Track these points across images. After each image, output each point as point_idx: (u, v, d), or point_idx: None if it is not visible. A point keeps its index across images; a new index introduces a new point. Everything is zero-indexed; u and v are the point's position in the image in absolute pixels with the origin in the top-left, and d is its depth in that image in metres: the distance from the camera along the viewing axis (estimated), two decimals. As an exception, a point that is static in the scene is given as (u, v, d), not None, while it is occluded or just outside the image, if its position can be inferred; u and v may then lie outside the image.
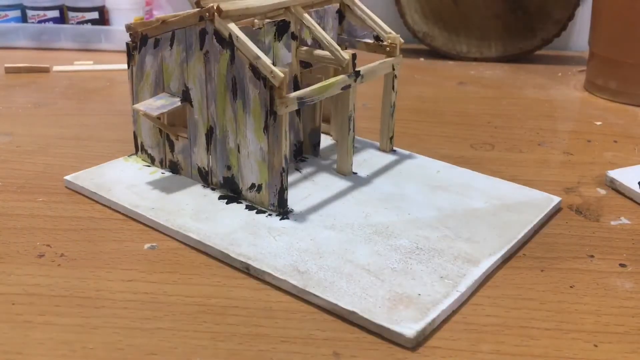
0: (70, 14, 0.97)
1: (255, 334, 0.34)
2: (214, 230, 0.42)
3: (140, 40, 0.48)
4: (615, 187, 0.51)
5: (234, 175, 0.46)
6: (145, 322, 0.34)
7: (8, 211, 0.46)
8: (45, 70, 0.82)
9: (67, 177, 0.49)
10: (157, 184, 0.48)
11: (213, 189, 0.48)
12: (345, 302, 0.35)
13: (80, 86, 0.77)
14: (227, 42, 0.43)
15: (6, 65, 0.81)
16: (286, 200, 0.45)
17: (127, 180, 0.49)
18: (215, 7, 0.42)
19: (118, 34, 0.93)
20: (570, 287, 0.38)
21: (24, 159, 0.55)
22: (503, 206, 0.46)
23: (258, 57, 0.42)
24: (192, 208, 0.45)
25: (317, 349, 0.33)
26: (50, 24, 0.96)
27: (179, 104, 0.47)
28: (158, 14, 1.04)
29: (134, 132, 0.52)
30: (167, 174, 0.50)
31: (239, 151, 0.45)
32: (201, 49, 0.44)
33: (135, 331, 0.33)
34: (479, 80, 0.84)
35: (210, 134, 0.46)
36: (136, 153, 0.53)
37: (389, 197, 0.47)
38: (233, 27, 0.43)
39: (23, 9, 0.98)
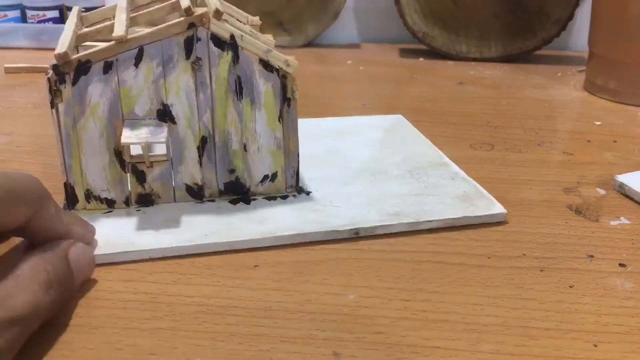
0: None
1: (255, 334, 0.34)
2: (285, 222, 0.43)
3: (77, 70, 0.41)
4: (624, 192, 0.50)
5: (239, 177, 0.46)
6: (145, 322, 0.34)
7: (8, 211, 0.45)
8: (45, 70, 0.82)
9: None
10: (158, 219, 0.43)
11: (212, 200, 0.46)
12: (448, 214, 0.44)
13: (80, 86, 0.77)
14: (229, 43, 0.42)
15: (6, 65, 0.81)
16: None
17: (130, 229, 0.42)
18: (213, 11, 0.42)
19: (118, 34, 0.93)
20: (570, 287, 0.38)
21: (24, 159, 0.55)
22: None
23: (269, 50, 0.42)
24: (231, 220, 0.43)
25: (317, 349, 0.33)
26: (49, 24, 0.96)
27: (165, 124, 0.43)
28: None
29: (68, 185, 0.43)
30: (143, 208, 0.44)
31: (245, 150, 0.45)
32: (187, 58, 0.42)
33: (135, 331, 0.33)
34: (479, 80, 0.84)
35: (203, 144, 0.44)
36: (73, 207, 0.44)
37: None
38: (233, 28, 0.42)
39: (22, 9, 0.98)
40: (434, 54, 0.95)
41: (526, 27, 0.93)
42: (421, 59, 0.94)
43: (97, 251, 0.39)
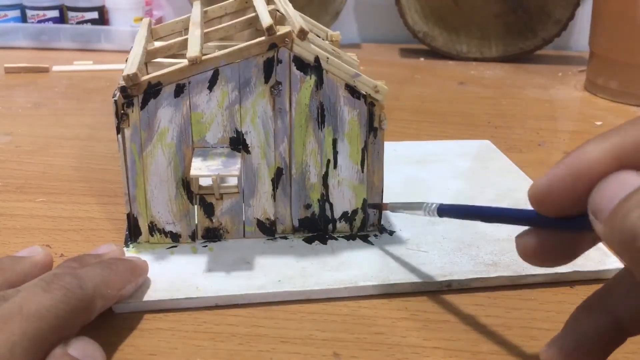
0: (70, 14, 0.97)
1: (255, 334, 0.33)
2: (367, 269, 0.38)
3: (146, 92, 0.37)
4: None
5: (316, 213, 0.41)
6: (145, 323, 0.34)
7: (8, 211, 0.46)
8: (45, 70, 0.82)
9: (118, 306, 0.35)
10: (226, 259, 0.39)
11: (285, 238, 0.42)
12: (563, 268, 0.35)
13: (80, 86, 0.77)
14: (313, 66, 0.38)
15: (6, 65, 0.81)
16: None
17: (195, 270, 0.38)
18: (297, 30, 0.37)
19: (118, 34, 0.93)
20: (570, 287, 0.38)
21: (24, 159, 0.55)
22: None
23: (357, 75, 0.38)
24: (305, 264, 0.39)
25: (317, 349, 0.33)
26: (49, 24, 0.96)
27: (238, 154, 0.39)
28: (158, 14, 1.04)
29: (131, 215, 0.40)
30: (210, 244, 0.41)
31: (324, 183, 0.41)
32: (266, 82, 0.38)
33: (135, 331, 0.33)
34: (479, 80, 0.84)
35: (278, 176, 0.41)
36: (135, 240, 0.40)
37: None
38: (318, 49, 0.38)
39: (22, 8, 0.98)
40: (434, 53, 0.95)
41: (527, 27, 0.93)
42: (422, 59, 0.94)
43: (157, 295, 0.35)
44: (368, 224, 0.42)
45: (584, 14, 0.96)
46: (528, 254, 0.27)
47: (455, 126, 0.66)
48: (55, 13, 0.97)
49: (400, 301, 0.36)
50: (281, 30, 0.38)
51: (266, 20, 0.38)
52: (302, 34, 0.37)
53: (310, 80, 0.38)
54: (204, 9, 0.46)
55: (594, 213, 0.23)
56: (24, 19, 0.98)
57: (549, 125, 0.67)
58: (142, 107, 0.37)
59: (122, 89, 0.37)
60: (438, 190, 0.49)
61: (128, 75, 0.36)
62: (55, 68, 0.83)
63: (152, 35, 0.45)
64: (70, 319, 0.29)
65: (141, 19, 0.99)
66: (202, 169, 0.37)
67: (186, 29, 0.46)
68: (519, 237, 0.27)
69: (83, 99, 0.72)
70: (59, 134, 0.61)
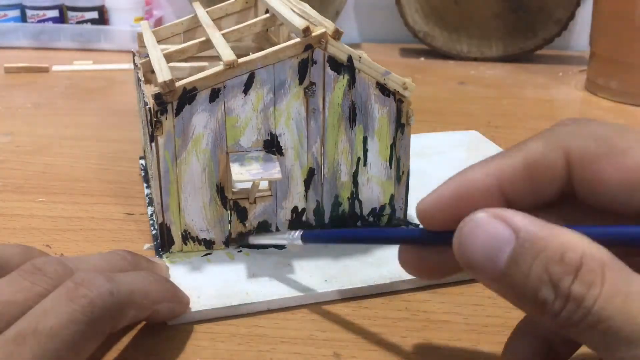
0: (70, 14, 0.97)
1: (255, 334, 0.33)
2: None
3: (181, 99, 0.36)
4: None
5: (345, 211, 0.42)
6: (143, 322, 0.34)
7: (7, 211, 0.46)
8: (45, 70, 0.82)
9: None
10: (266, 263, 0.39)
11: None
12: None
13: (80, 86, 0.77)
14: (346, 65, 0.38)
15: (6, 65, 0.81)
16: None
17: (239, 276, 0.37)
18: (332, 30, 0.37)
19: (117, 34, 0.93)
20: (571, 287, 0.38)
21: (24, 159, 0.55)
22: None
23: (388, 73, 0.39)
24: (346, 262, 0.39)
25: (317, 349, 0.33)
26: (49, 24, 0.96)
27: (274, 156, 0.39)
28: (158, 14, 1.04)
29: (164, 225, 0.39)
30: (245, 249, 0.40)
31: (354, 181, 0.41)
32: (301, 83, 0.38)
33: (135, 331, 0.33)
34: (480, 80, 0.84)
35: (310, 177, 0.40)
36: (168, 249, 0.40)
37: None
38: (349, 48, 0.38)
39: (22, 8, 0.98)
40: (434, 53, 0.95)
41: (527, 26, 0.93)
42: (422, 59, 0.94)
43: (209, 303, 0.35)
44: (394, 219, 0.42)
45: (584, 14, 0.96)
46: (408, 264, 0.28)
47: (455, 126, 0.66)
48: (55, 13, 0.97)
49: (400, 301, 0.36)
50: (316, 31, 0.37)
51: (298, 21, 0.38)
52: (337, 34, 0.38)
53: (343, 79, 0.39)
54: (205, 10, 0.46)
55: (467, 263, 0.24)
56: (23, 18, 0.98)
57: (550, 125, 0.67)
58: (176, 114, 0.36)
59: (157, 96, 0.36)
60: (442, 181, 0.49)
61: (165, 81, 0.35)
62: (55, 68, 0.83)
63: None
64: (90, 331, 0.27)
65: (141, 19, 0.99)
66: (244, 174, 0.37)
67: (186, 31, 0.46)
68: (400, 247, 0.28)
69: (83, 99, 0.72)
70: (59, 134, 0.61)
